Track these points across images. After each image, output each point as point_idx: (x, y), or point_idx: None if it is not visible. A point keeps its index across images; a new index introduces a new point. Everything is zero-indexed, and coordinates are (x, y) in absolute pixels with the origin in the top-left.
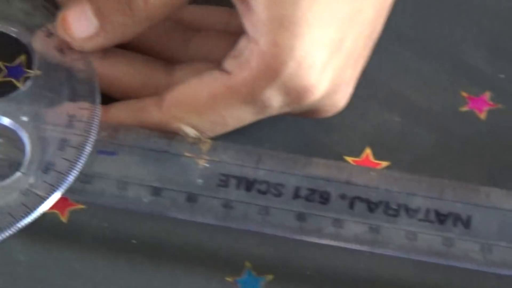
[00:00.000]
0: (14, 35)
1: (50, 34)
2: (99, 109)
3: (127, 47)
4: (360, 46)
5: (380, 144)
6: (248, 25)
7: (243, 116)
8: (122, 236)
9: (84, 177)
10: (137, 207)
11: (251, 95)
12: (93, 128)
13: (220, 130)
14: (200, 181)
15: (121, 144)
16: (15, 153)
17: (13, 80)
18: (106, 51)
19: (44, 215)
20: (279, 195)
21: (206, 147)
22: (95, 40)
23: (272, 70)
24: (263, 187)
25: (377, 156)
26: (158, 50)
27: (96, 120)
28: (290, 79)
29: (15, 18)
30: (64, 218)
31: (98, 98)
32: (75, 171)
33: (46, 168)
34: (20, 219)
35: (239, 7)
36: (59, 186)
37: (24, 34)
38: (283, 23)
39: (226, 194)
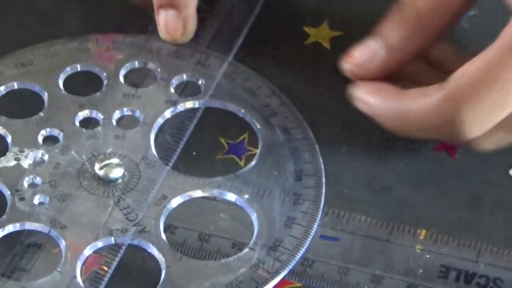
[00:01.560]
0: (239, 114)
1: (274, 114)
2: (323, 189)
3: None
4: None
5: None
6: None
7: None
8: None
9: (306, 261)
10: None
11: None
12: (319, 206)
13: (497, 117)
14: (420, 271)
15: (343, 231)
16: (239, 230)
17: (235, 157)
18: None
19: None
20: None
21: (425, 236)
22: (377, 60)
23: None
24: (482, 281)
25: None
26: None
27: (322, 199)
28: None
29: (240, 97)
30: None
31: (323, 178)
32: (303, 249)
33: (274, 245)
34: None
35: None
36: (288, 263)
37: (248, 112)
38: None
39: (445, 286)
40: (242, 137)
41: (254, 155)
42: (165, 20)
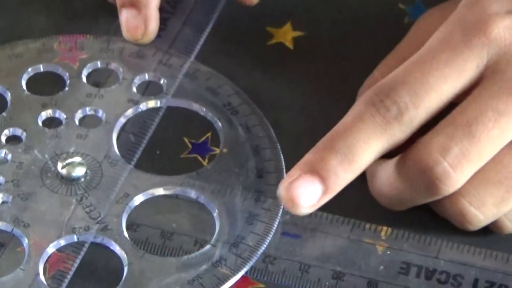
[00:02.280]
0: (201, 113)
1: (235, 112)
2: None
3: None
4: None
5: None
6: None
7: None
8: None
9: (267, 258)
10: None
11: None
12: (280, 203)
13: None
14: (381, 267)
15: (304, 228)
16: (201, 228)
17: (198, 156)
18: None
19: None
20: (458, 285)
21: (386, 234)
22: (319, 203)
23: None
24: (442, 277)
25: None
26: None
27: None
28: None
29: (202, 96)
30: None
31: (284, 176)
32: (264, 245)
33: (236, 241)
34: None
35: None
36: (249, 259)
37: (210, 111)
38: None
39: (406, 282)
40: (205, 136)
41: (216, 154)
42: (126, 19)
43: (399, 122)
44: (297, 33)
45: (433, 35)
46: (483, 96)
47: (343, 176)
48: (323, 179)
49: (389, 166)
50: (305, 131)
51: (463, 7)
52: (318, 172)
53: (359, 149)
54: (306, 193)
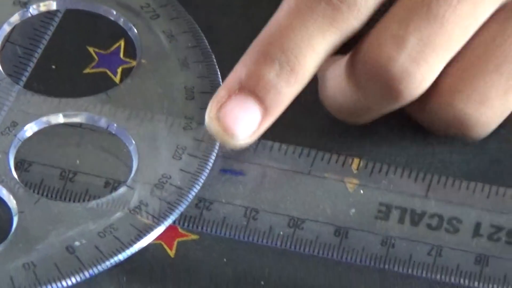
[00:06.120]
0: (110, 17)
1: (156, 15)
2: None
3: None
4: None
5: None
6: None
7: None
8: (246, 276)
9: (202, 202)
10: (269, 240)
11: None
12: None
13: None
14: (352, 211)
15: (250, 162)
16: (113, 165)
17: (107, 71)
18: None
19: (145, 247)
20: (454, 231)
21: (358, 167)
22: (260, 129)
23: None
24: (434, 222)
25: None
26: None
27: None
28: None
29: None
30: (171, 252)
31: None
32: (197, 186)
33: (160, 182)
34: (129, 245)
35: None
36: (178, 204)
37: (123, 16)
38: None
39: (385, 229)
40: (116, 45)
41: (132, 68)
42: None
43: (349, 5)
44: None
45: None
46: None
47: (285, 90)
48: (260, 98)
49: (339, 67)
50: (248, 38)
51: None
52: (251, 89)
53: (301, 52)
54: (240, 119)
